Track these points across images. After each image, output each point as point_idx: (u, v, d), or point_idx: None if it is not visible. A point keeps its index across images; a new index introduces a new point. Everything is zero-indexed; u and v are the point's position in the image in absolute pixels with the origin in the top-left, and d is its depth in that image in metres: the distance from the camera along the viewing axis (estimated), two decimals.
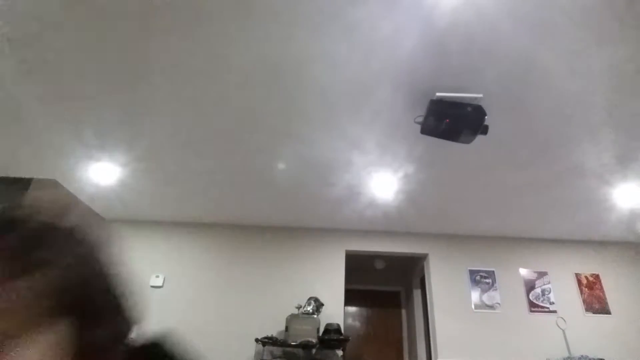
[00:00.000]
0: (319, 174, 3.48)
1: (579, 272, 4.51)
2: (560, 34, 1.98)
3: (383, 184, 3.58)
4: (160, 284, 4.32)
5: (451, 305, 4.31)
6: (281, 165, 3.38)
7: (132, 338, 0.39)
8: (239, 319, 4.14)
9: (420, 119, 2.53)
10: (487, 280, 4.45)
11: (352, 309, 5.81)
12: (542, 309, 4.30)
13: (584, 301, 4.34)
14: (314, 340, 3.70)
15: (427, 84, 2.37)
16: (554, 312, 4.27)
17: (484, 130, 2.43)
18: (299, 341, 3.67)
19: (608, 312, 4.28)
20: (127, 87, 2.51)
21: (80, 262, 0.35)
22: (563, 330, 4.10)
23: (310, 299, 4.10)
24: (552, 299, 4.34)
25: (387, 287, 6.09)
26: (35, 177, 3.93)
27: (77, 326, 0.33)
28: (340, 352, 3.90)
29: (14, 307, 0.30)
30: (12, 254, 0.31)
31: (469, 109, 2.36)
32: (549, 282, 4.44)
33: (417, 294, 5.49)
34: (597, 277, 4.49)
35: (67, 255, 0.34)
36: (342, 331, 3.93)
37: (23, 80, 2.48)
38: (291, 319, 3.86)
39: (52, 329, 0.32)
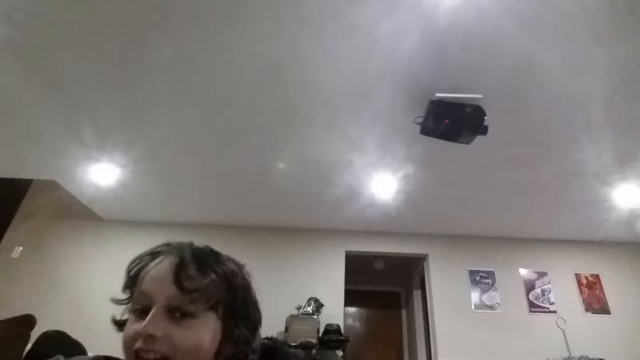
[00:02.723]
0: (318, 175, 3.48)
1: (579, 272, 4.51)
2: (560, 34, 1.99)
3: (383, 185, 3.58)
4: None
5: (451, 305, 4.31)
6: (281, 166, 3.38)
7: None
8: None
9: (420, 120, 2.53)
10: (487, 281, 4.45)
11: (352, 309, 5.80)
12: (542, 309, 4.30)
13: (584, 301, 4.34)
14: (314, 341, 3.69)
15: (426, 85, 2.37)
16: (554, 312, 4.27)
17: (484, 130, 2.43)
18: (298, 342, 3.67)
19: (608, 312, 4.28)
20: (126, 87, 2.51)
21: (237, 296, 0.61)
22: (563, 331, 4.10)
23: (310, 299, 4.10)
24: (552, 299, 4.34)
25: (387, 287, 6.08)
26: (35, 178, 3.93)
27: (223, 323, 0.58)
28: (340, 353, 3.90)
29: (202, 301, 0.56)
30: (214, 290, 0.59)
31: (469, 109, 2.36)
32: (548, 282, 4.44)
33: (417, 294, 5.49)
34: (597, 277, 4.49)
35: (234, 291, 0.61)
36: (342, 332, 3.92)
37: (23, 81, 2.48)
38: (291, 319, 3.86)
39: (212, 318, 0.57)
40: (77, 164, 3.42)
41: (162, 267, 0.58)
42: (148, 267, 0.59)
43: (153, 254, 0.62)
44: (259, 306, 0.66)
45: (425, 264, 4.74)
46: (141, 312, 0.55)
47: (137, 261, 0.61)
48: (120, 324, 0.60)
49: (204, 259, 0.60)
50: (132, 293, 0.60)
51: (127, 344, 0.54)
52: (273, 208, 4.28)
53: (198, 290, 0.56)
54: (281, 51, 2.19)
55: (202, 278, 0.57)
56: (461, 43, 2.07)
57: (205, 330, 0.55)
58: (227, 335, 0.58)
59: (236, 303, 0.60)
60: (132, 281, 0.60)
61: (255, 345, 0.62)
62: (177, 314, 0.55)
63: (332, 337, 3.78)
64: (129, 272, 0.61)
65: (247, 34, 2.09)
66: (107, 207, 4.40)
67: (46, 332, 1.72)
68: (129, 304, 0.59)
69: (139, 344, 0.52)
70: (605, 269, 4.53)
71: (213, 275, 0.58)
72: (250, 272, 0.68)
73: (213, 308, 0.57)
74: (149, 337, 0.52)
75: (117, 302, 0.60)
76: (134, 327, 0.54)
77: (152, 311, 0.54)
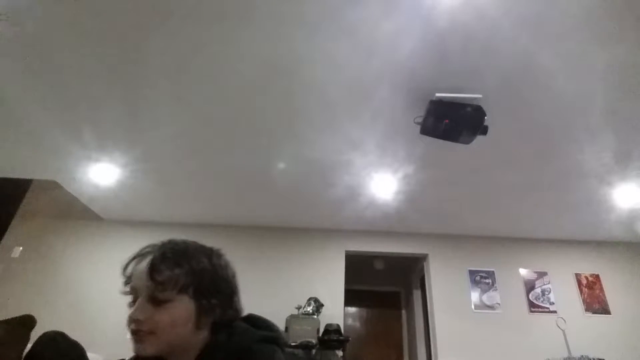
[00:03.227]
0: (318, 175, 3.48)
1: (579, 272, 4.51)
2: (560, 34, 1.99)
3: (383, 185, 3.58)
4: None
5: (451, 305, 4.31)
6: (281, 166, 3.38)
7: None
8: None
9: (420, 120, 2.53)
10: (487, 281, 4.45)
11: (352, 309, 5.81)
12: (542, 309, 4.30)
13: (584, 301, 4.34)
14: (314, 341, 3.70)
15: (426, 85, 2.37)
16: (554, 312, 4.27)
17: (484, 130, 2.43)
18: (298, 342, 3.67)
19: (608, 312, 4.28)
20: (127, 87, 2.51)
21: (207, 275, 0.77)
22: (563, 331, 4.10)
23: (310, 299, 4.10)
24: (552, 299, 4.35)
25: (387, 287, 6.08)
26: (35, 178, 3.93)
27: (195, 302, 0.74)
28: (340, 353, 3.90)
29: (172, 288, 0.72)
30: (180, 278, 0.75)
31: (469, 109, 2.36)
32: (548, 282, 4.44)
33: (417, 294, 5.49)
34: (597, 277, 4.49)
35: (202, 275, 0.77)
36: (342, 332, 3.92)
37: (23, 81, 2.48)
38: (291, 319, 3.86)
39: (183, 300, 0.73)
40: (77, 164, 3.42)
41: (142, 266, 0.75)
42: (135, 267, 0.77)
43: (139, 256, 0.78)
44: (231, 279, 0.82)
45: (425, 263, 4.74)
46: (134, 302, 0.74)
47: (129, 263, 0.78)
48: None
49: (171, 256, 0.75)
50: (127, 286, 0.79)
51: (127, 326, 0.72)
52: (273, 208, 4.28)
53: (165, 281, 0.72)
54: (281, 51, 2.19)
55: (169, 271, 0.73)
56: (461, 43, 2.07)
57: (180, 310, 0.72)
58: (200, 309, 0.74)
59: (203, 284, 0.75)
60: (128, 278, 0.77)
61: (234, 308, 0.80)
62: (156, 300, 0.72)
63: (332, 337, 3.78)
64: (124, 271, 0.78)
65: (247, 33, 2.09)
66: (107, 207, 4.40)
67: (45, 333, 1.72)
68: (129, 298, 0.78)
69: (132, 326, 0.71)
70: (606, 269, 4.53)
71: (177, 268, 0.74)
72: (221, 253, 0.84)
73: (183, 291, 0.73)
74: (136, 320, 0.71)
75: (123, 293, 0.78)
76: (128, 313, 0.73)
77: (138, 301, 0.72)
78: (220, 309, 0.77)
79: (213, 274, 0.78)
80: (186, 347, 0.73)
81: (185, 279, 0.74)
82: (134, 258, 0.78)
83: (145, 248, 0.79)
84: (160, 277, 0.72)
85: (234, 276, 0.83)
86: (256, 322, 0.82)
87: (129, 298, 0.76)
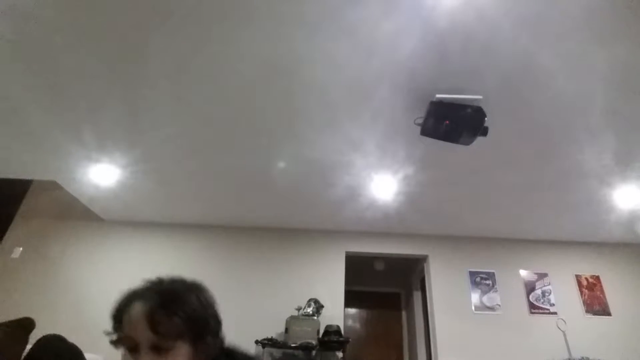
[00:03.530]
0: (318, 175, 3.48)
1: (580, 274, 4.51)
2: (560, 34, 1.98)
3: (383, 185, 3.58)
4: None
5: (451, 306, 4.31)
6: (281, 166, 3.37)
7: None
8: (238, 320, 4.12)
9: (420, 121, 2.53)
10: (487, 282, 4.44)
11: (352, 310, 5.80)
12: (543, 311, 4.29)
13: (585, 302, 4.34)
14: (314, 342, 3.69)
15: (427, 86, 2.37)
16: (554, 313, 4.26)
17: (484, 131, 2.42)
18: (298, 343, 3.66)
19: (608, 314, 4.27)
20: (127, 87, 2.51)
21: (198, 321, 0.79)
22: (563, 332, 4.09)
23: (310, 300, 4.09)
24: (552, 301, 4.34)
25: (387, 288, 6.08)
26: (35, 178, 3.93)
27: (192, 344, 0.77)
28: (340, 354, 3.89)
29: (173, 337, 0.75)
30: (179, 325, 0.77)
31: (469, 110, 2.36)
32: (549, 284, 4.43)
33: (417, 295, 5.48)
34: (597, 278, 4.48)
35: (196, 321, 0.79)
36: (342, 333, 3.92)
37: (23, 81, 2.48)
38: (291, 320, 3.86)
39: (183, 345, 0.76)
40: (77, 164, 3.42)
41: (136, 313, 0.76)
42: (126, 314, 0.78)
43: (127, 300, 0.80)
44: (216, 311, 0.85)
45: (425, 265, 4.73)
46: (131, 350, 0.76)
47: (117, 309, 0.80)
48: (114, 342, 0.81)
49: (168, 305, 0.77)
50: (118, 330, 0.80)
51: None
52: (273, 208, 4.28)
53: (167, 332, 0.75)
54: (281, 52, 2.19)
55: (169, 321, 0.75)
56: (461, 44, 2.07)
57: (181, 356, 0.76)
58: (197, 350, 0.78)
59: (198, 327, 0.78)
60: (118, 323, 0.79)
61: (220, 337, 0.85)
62: (159, 350, 0.74)
63: (332, 338, 3.77)
64: (114, 317, 0.80)
65: (247, 33, 2.09)
66: (108, 208, 4.40)
67: (44, 336, 1.72)
68: (120, 342, 0.79)
69: None
70: (606, 270, 4.52)
71: (175, 317, 0.76)
72: (204, 286, 0.87)
73: (181, 338, 0.76)
74: None
75: (109, 334, 0.79)
76: None
77: (141, 353, 0.75)
78: (213, 344, 0.82)
79: (204, 314, 0.82)
80: None
81: (183, 326, 0.77)
82: (122, 303, 0.80)
83: (133, 292, 0.81)
84: (162, 328, 0.74)
85: (215, 303, 0.86)
86: (246, 356, 0.91)
87: (115, 338, 0.78)
